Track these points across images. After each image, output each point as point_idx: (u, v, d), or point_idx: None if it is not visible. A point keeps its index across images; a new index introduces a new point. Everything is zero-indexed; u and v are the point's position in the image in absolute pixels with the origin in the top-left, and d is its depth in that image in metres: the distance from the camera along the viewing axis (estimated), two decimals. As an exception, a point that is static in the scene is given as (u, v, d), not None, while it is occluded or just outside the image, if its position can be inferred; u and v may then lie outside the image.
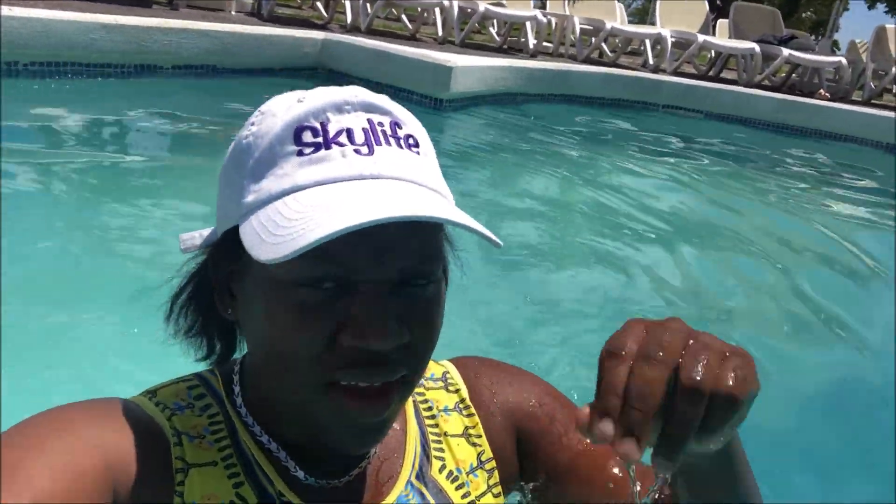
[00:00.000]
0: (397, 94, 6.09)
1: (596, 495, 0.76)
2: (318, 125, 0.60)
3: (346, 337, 0.59)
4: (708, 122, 7.71)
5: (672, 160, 5.83)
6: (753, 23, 10.23)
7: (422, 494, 0.74)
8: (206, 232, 0.69)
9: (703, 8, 10.15)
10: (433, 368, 0.85)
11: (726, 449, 0.56)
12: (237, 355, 0.75)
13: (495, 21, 9.82)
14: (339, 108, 0.61)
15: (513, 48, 9.62)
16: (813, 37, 11.84)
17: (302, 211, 0.56)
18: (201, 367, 0.76)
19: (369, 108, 0.62)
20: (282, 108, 0.62)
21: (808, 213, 5.02)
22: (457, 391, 0.83)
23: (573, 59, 9.13)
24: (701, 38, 9.10)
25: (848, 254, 4.02)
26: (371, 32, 8.43)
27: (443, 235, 0.66)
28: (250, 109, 0.67)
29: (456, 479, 0.77)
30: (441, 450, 0.78)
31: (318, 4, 8.96)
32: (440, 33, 8.73)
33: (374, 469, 0.74)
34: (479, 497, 0.77)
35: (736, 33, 10.03)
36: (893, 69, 9.19)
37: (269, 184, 0.60)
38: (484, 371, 0.85)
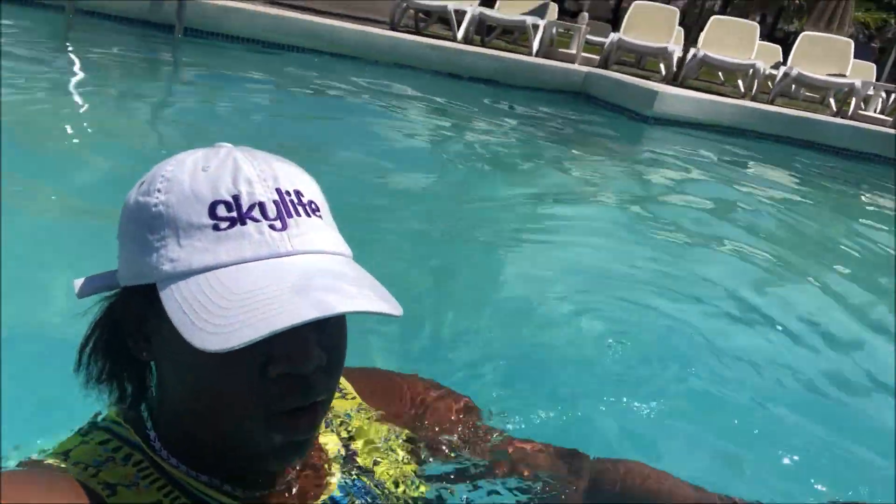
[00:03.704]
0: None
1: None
2: (230, 199, 0.65)
3: (275, 367, 0.65)
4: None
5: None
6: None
7: (355, 481, 0.86)
8: (95, 279, 0.72)
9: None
10: None
11: None
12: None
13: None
14: (249, 181, 0.66)
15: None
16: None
17: (233, 300, 0.61)
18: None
19: (275, 179, 0.67)
20: (188, 177, 0.66)
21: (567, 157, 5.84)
22: (353, 398, 0.97)
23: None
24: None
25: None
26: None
27: None
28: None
29: (377, 462, 0.90)
30: (353, 439, 0.91)
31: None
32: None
33: (302, 473, 0.83)
34: (402, 464, 0.92)
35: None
36: (700, 53, 10.51)
37: (189, 256, 0.64)
38: (362, 380, 1.01)
